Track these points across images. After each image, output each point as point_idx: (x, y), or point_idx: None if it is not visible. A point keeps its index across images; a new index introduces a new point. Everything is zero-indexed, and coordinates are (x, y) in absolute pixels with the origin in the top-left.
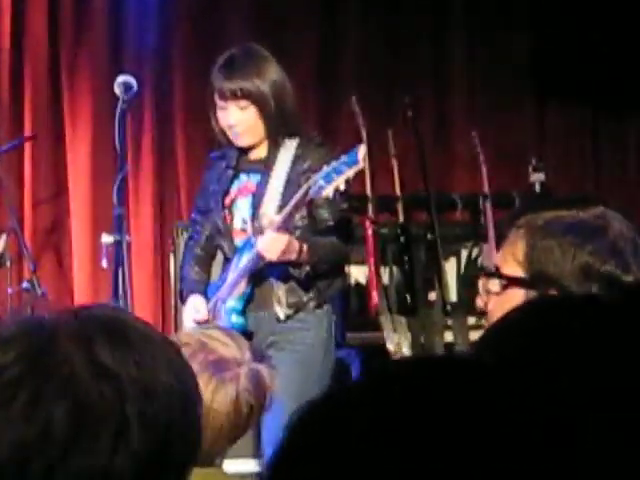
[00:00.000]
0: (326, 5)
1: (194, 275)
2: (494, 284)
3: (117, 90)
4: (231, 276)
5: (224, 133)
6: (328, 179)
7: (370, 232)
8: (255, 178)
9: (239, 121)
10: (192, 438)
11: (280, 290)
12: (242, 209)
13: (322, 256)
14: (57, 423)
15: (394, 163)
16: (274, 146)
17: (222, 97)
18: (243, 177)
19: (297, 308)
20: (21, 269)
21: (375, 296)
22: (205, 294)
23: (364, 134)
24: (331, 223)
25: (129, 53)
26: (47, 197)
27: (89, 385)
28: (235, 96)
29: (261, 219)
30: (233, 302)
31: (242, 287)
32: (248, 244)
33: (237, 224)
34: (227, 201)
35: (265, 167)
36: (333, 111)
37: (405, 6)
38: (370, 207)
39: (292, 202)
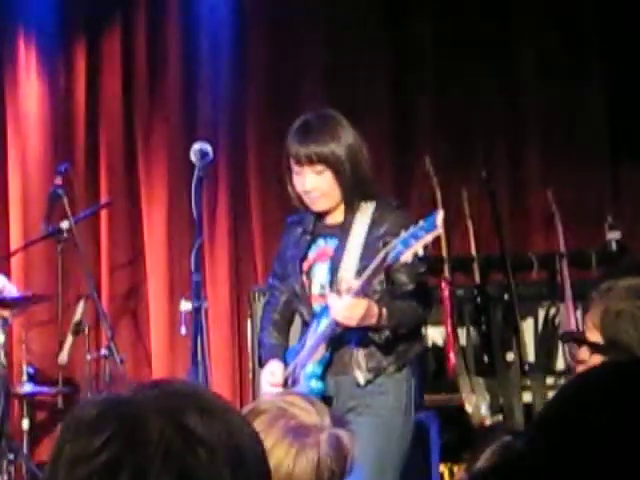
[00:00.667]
0: (400, 61)
1: (272, 340)
2: (583, 351)
3: (193, 157)
4: (310, 341)
5: (300, 198)
6: (406, 244)
7: (447, 293)
8: (332, 243)
9: (315, 186)
10: None
11: (360, 355)
12: (320, 274)
13: (401, 320)
14: None
15: (469, 223)
16: (350, 210)
17: (298, 162)
18: (320, 242)
19: (377, 373)
20: (99, 335)
21: (453, 357)
22: (284, 359)
23: (438, 194)
24: (410, 287)
25: (203, 119)
26: (124, 263)
27: (187, 454)
28: (311, 161)
29: (339, 284)
30: (312, 367)
31: (321, 352)
32: (327, 309)
33: (315, 289)
34: (305, 266)
35: (342, 231)
36: (407, 171)
37: (480, 75)
38: (446, 268)
39: (371, 267)
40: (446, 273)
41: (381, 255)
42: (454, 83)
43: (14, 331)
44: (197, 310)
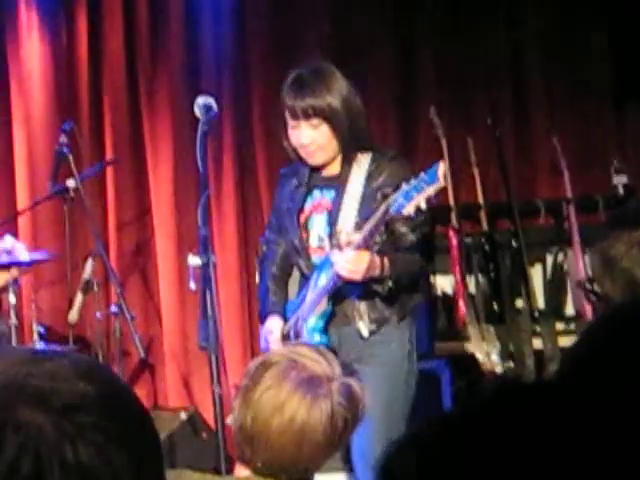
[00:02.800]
0: (402, 9)
1: (271, 296)
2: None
3: (197, 111)
4: (311, 294)
5: (295, 151)
6: (408, 197)
7: (455, 242)
8: (329, 194)
9: (312, 139)
10: None
11: (362, 306)
12: (318, 226)
13: (403, 270)
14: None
15: (476, 171)
16: (347, 162)
17: (294, 116)
18: (317, 194)
19: (380, 323)
20: (108, 293)
21: (462, 305)
22: (283, 314)
23: (444, 144)
24: (410, 237)
25: (206, 73)
26: (131, 220)
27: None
28: (307, 115)
29: (339, 236)
30: (314, 320)
31: (323, 305)
32: (327, 262)
33: (313, 241)
34: (302, 218)
35: (339, 183)
36: (412, 121)
37: (483, 18)
38: (454, 216)
39: (372, 221)
40: (454, 221)
41: (382, 208)
42: (457, 33)
43: (23, 291)
44: (205, 265)
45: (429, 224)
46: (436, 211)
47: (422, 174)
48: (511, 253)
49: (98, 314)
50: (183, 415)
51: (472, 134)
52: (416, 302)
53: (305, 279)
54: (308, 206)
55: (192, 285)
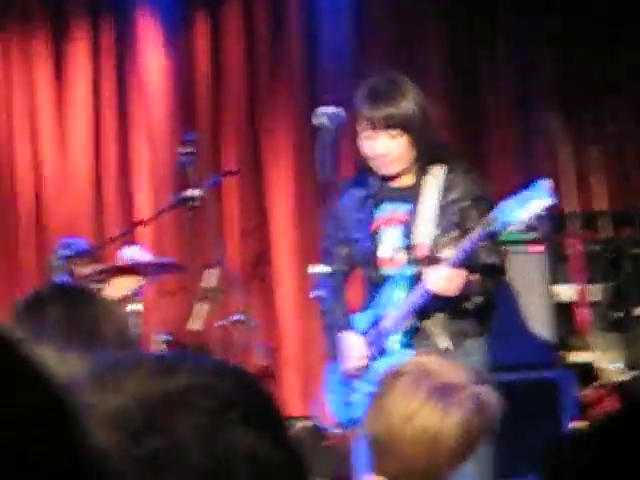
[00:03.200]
0: (521, 20)
1: (339, 310)
2: None
3: (319, 121)
4: (395, 310)
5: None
6: (514, 214)
7: (577, 249)
8: (403, 207)
9: (389, 150)
10: None
11: (443, 321)
12: (390, 239)
13: (488, 288)
14: None
15: (597, 179)
16: (421, 173)
17: (372, 127)
18: (388, 206)
19: (461, 337)
20: (229, 302)
21: (583, 314)
22: (349, 327)
23: (565, 150)
24: (494, 256)
25: (326, 83)
26: (250, 229)
27: None
28: (387, 125)
29: (415, 249)
30: (399, 336)
31: (410, 321)
32: (402, 276)
33: (384, 253)
34: (371, 230)
35: (413, 195)
36: (533, 128)
37: (606, 33)
38: (576, 224)
39: (471, 238)
40: (576, 229)
41: (482, 226)
42: (581, 39)
43: (146, 299)
44: (329, 273)
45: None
46: (558, 219)
47: (526, 191)
48: (633, 260)
49: (219, 323)
50: (303, 424)
51: (594, 141)
52: (492, 317)
53: (375, 290)
54: (378, 218)
55: (314, 293)
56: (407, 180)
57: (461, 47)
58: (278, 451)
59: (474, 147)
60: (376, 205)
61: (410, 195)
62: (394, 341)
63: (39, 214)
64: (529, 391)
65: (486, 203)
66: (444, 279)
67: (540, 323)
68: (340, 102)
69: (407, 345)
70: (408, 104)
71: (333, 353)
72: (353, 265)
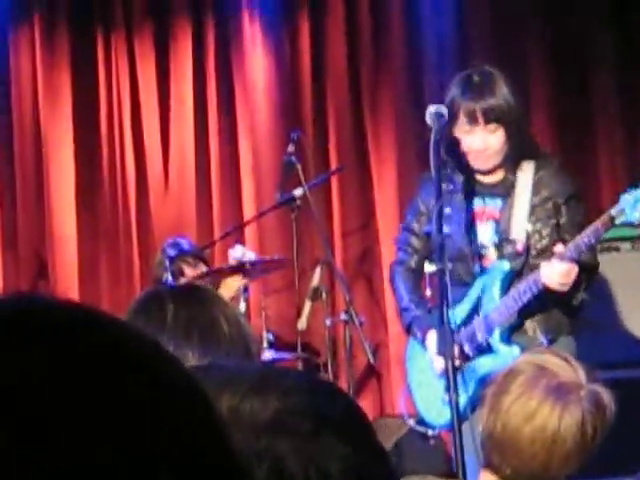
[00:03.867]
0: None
1: (420, 307)
2: None
3: (429, 119)
4: (498, 305)
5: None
6: (632, 212)
7: None
8: (494, 203)
9: (489, 144)
10: None
11: (544, 316)
12: (482, 235)
13: (589, 285)
14: None
15: None
16: (512, 169)
17: (473, 120)
18: (478, 201)
19: (557, 334)
20: (335, 300)
21: None
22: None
23: None
24: (592, 253)
25: (429, 80)
26: (356, 227)
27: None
28: (486, 118)
29: (511, 245)
30: (500, 331)
31: (513, 316)
32: (496, 271)
33: (477, 248)
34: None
35: (504, 192)
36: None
37: None
38: None
39: (588, 233)
40: None
41: (601, 222)
42: None
43: (252, 299)
44: (442, 271)
45: None
46: None
47: None
48: None
49: (327, 321)
50: (410, 422)
51: None
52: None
53: (463, 285)
54: (469, 213)
55: (428, 292)
56: (496, 175)
57: (564, 43)
58: (374, 465)
59: (578, 147)
60: (465, 200)
61: (500, 190)
62: (494, 337)
63: (145, 214)
64: (634, 388)
65: (578, 201)
66: (561, 274)
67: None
68: (442, 101)
69: (507, 341)
70: (505, 97)
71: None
72: (425, 258)
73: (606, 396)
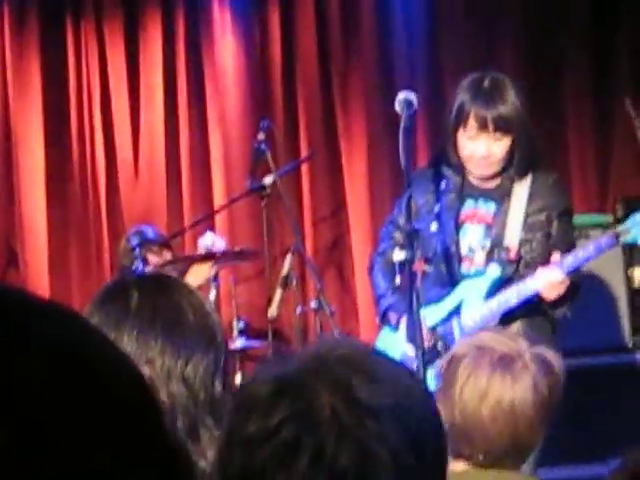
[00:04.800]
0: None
1: (397, 296)
2: None
3: (397, 107)
4: (480, 309)
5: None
6: (636, 233)
7: None
8: (487, 206)
9: (493, 152)
10: (443, 463)
11: (523, 323)
12: (470, 236)
13: (574, 300)
14: (344, 470)
15: None
16: (510, 177)
17: (482, 127)
18: (470, 203)
19: (536, 341)
20: (306, 288)
21: None
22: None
23: None
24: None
25: (399, 68)
26: (326, 215)
27: (357, 427)
28: (496, 126)
29: (502, 251)
30: None
31: (495, 321)
32: (490, 274)
33: (464, 250)
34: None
35: (500, 197)
36: (608, 115)
37: None
38: None
39: (591, 249)
40: None
41: (606, 238)
42: None
43: (223, 287)
44: (410, 260)
45: None
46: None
47: None
48: None
49: (298, 309)
50: None
51: None
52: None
53: (441, 285)
54: (460, 214)
55: (397, 280)
56: (493, 181)
57: (536, 36)
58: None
59: (553, 141)
60: (458, 200)
61: (495, 195)
62: None
63: (114, 202)
64: (608, 375)
65: (570, 217)
66: (556, 283)
67: (618, 307)
68: (413, 87)
69: None
70: (515, 106)
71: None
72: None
73: (550, 354)
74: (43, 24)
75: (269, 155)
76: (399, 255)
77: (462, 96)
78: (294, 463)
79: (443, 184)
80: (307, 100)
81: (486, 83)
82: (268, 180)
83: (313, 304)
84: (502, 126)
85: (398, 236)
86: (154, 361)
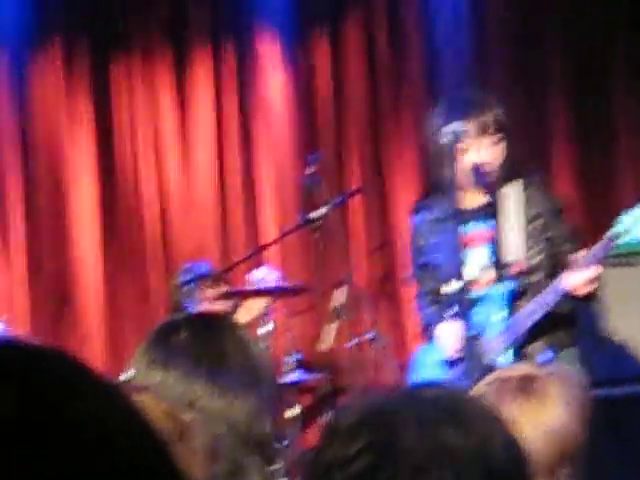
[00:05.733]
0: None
1: (435, 305)
2: None
3: (444, 139)
4: (504, 328)
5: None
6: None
7: None
8: (485, 224)
9: (493, 156)
10: None
11: (548, 329)
12: (477, 259)
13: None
14: None
15: None
16: (498, 188)
17: (478, 133)
18: (468, 226)
19: (560, 346)
20: (358, 321)
21: None
22: None
23: None
24: None
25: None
26: (376, 247)
27: (436, 469)
28: (492, 129)
29: (510, 266)
30: (510, 350)
31: (524, 334)
32: (502, 293)
33: (472, 274)
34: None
35: (492, 213)
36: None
37: None
38: None
39: (601, 244)
40: None
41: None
42: None
43: (277, 320)
44: (461, 290)
45: None
46: None
47: None
48: None
49: (350, 342)
50: None
51: None
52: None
53: (456, 311)
54: (459, 239)
55: (448, 313)
56: (478, 198)
57: (585, 47)
58: None
59: (600, 153)
60: (453, 227)
61: (487, 212)
62: (502, 357)
63: (166, 238)
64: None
65: (563, 216)
66: (588, 280)
67: None
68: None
69: (516, 354)
70: (499, 111)
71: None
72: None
73: (569, 372)
74: (92, 61)
75: (318, 187)
76: (449, 287)
77: (440, 118)
78: None
79: (437, 213)
80: (355, 130)
81: (461, 98)
82: (318, 213)
83: (366, 336)
84: (497, 129)
85: (425, 275)
86: (198, 402)
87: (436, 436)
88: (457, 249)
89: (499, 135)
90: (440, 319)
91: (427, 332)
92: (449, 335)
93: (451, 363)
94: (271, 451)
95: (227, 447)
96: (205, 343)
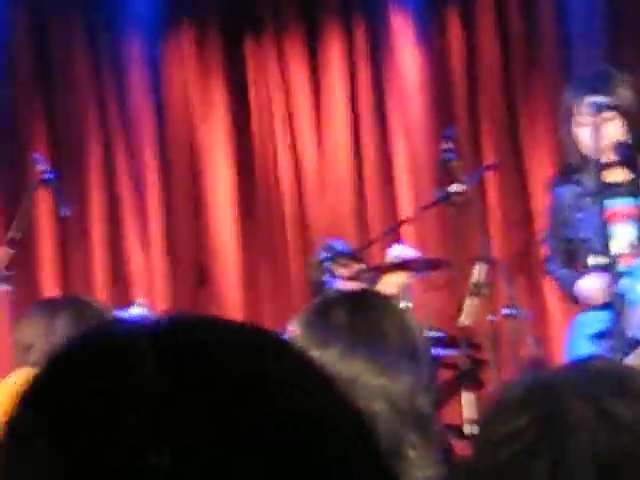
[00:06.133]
0: None
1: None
2: None
3: (586, 111)
4: None
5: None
6: None
7: None
8: (626, 201)
9: (614, 133)
10: None
11: None
12: (622, 235)
13: None
14: None
15: None
16: (633, 164)
17: (595, 111)
18: (608, 202)
19: None
20: (496, 296)
21: None
22: None
23: None
24: None
25: (579, 69)
26: (514, 222)
27: (608, 440)
28: (608, 109)
29: None
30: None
31: None
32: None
33: (619, 249)
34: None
35: (632, 191)
36: None
37: None
38: None
39: None
40: None
41: None
42: None
43: (413, 296)
44: (610, 264)
45: None
46: None
47: None
48: None
49: (489, 317)
50: None
51: None
52: None
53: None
54: (604, 215)
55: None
56: (622, 173)
57: None
58: None
59: None
60: (596, 202)
61: (627, 189)
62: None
63: (302, 215)
64: None
65: None
66: None
67: None
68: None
69: None
70: (627, 90)
71: None
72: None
73: None
74: (224, 42)
75: (454, 164)
76: (594, 260)
77: (571, 90)
78: (534, 465)
79: (580, 188)
80: (490, 106)
81: (590, 74)
82: (455, 188)
83: (505, 310)
84: (613, 108)
85: (562, 247)
86: (357, 380)
87: (603, 408)
88: (604, 224)
89: (615, 113)
90: (577, 276)
91: (566, 291)
92: (594, 286)
93: (599, 335)
94: (431, 429)
95: (387, 425)
96: (364, 321)
